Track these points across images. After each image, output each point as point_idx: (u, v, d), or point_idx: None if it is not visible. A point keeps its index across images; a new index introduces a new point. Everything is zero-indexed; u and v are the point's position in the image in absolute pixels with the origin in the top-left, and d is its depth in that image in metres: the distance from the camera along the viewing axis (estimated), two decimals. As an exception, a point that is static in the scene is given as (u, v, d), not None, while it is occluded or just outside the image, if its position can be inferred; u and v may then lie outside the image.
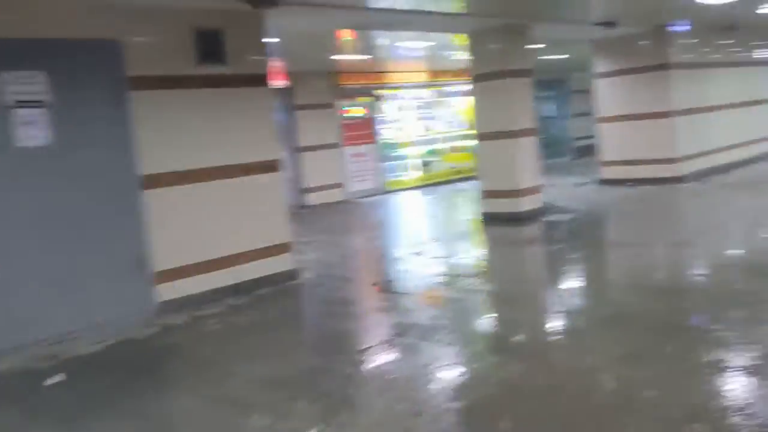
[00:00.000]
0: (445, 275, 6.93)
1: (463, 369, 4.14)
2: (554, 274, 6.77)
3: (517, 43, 9.63)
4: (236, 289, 6.49)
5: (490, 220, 9.67)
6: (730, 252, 6.86)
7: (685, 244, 7.45)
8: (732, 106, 13.42)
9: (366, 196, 14.05)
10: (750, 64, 14.64)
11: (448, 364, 4.22)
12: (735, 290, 5.26)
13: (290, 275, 6.94)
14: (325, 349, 4.87)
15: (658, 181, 11.74)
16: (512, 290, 6.12)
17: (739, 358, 3.86)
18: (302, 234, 9.69)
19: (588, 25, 10.61)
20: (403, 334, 4.95)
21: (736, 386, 3.50)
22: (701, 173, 12.04)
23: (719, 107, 13.01)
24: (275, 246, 6.85)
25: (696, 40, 12.56)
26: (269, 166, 6.83)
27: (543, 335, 4.86)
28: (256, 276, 6.66)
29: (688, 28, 11.83)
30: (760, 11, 11.20)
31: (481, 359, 4.33)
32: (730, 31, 13.01)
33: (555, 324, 5.06)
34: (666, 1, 9.81)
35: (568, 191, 12.32)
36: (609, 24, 10.62)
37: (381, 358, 4.51)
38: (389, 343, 4.80)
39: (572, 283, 6.31)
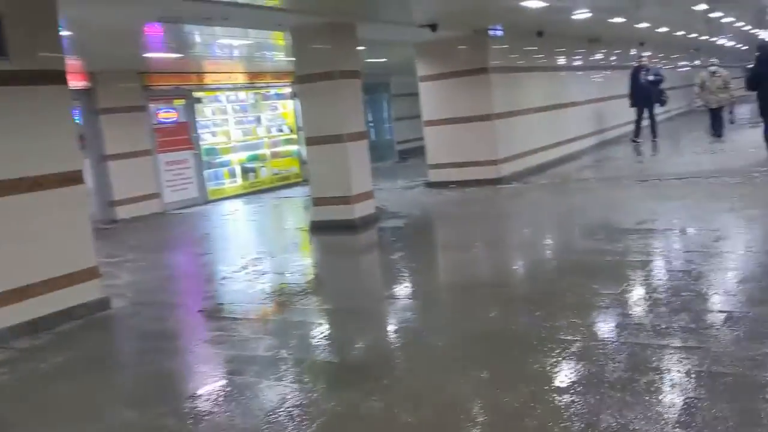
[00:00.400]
0: (280, 294, 6.30)
1: (315, 412, 3.55)
2: (397, 285, 6.37)
3: (344, 42, 9.22)
4: (33, 327, 5.42)
5: (323, 228, 9.17)
6: (561, 252, 6.88)
7: (519, 246, 7.45)
8: (546, 108, 14.07)
9: (185, 207, 12.96)
10: (561, 69, 15.51)
11: (297, 407, 3.61)
12: (578, 294, 5.13)
13: (100, 305, 5.95)
14: (145, 398, 4.05)
15: (482, 182, 11.93)
16: (355, 307, 5.63)
17: (604, 372, 3.65)
18: (112, 254, 8.57)
19: (411, 26, 10.48)
20: (239, 372, 4.27)
21: (611, 407, 3.24)
22: (520, 174, 12.42)
23: (534, 110, 13.57)
24: (79, 272, 5.83)
25: (513, 46, 12.96)
26: (68, 178, 5.80)
27: (397, 360, 4.40)
28: (57, 309, 5.62)
29: (500, 33, 12.15)
30: (574, 16, 11.76)
31: (334, 397, 3.77)
32: (540, 37, 13.62)
33: (408, 344, 4.63)
34: (484, 4, 9.90)
35: (397, 195, 12.16)
36: (432, 26, 10.57)
37: (215, 407, 3.79)
38: (224, 385, 4.09)
39: (416, 294, 5.94)
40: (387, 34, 11.46)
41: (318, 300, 6.07)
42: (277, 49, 12.15)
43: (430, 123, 12.63)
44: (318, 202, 9.43)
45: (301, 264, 7.81)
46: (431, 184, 12.54)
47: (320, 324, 5.34)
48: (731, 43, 28.52)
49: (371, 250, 8.52)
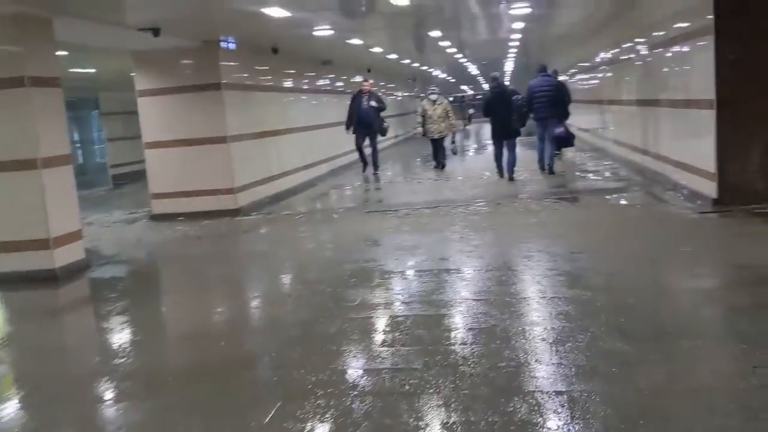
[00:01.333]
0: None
1: None
2: (116, 374, 4.48)
3: (37, 40, 7.09)
4: None
5: (10, 281, 6.90)
6: (333, 308, 5.56)
7: (277, 301, 6.07)
8: (283, 132, 12.94)
9: None
10: (297, 91, 14.46)
11: None
12: (379, 377, 3.97)
13: None
14: None
15: (217, 214, 10.40)
16: (51, 422, 3.78)
17: None
18: None
19: (128, 29, 8.64)
20: None
21: None
22: (260, 204, 11.13)
23: (272, 133, 12.37)
24: None
25: (248, 61, 11.64)
26: None
27: None
28: None
29: (234, 45, 10.79)
30: (316, 32, 10.82)
31: None
32: (275, 54, 12.50)
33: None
34: (212, 7, 8.38)
35: (114, 232, 10.07)
36: (154, 31, 8.84)
37: None
38: None
39: (148, 389, 4.21)
40: (98, 38, 9.41)
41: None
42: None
43: (153, 145, 10.77)
44: (1, 246, 7.12)
45: (-25, 339, 5.54)
46: (156, 217, 10.67)
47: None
48: (443, 75, 30.44)
49: (78, 311, 6.47)
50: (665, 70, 9.74)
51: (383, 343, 4.41)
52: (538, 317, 4.68)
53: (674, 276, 5.62)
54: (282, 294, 6.28)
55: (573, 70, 19.83)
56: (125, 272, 7.46)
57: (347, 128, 14.47)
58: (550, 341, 4.15)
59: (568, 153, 14.81)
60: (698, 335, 4.21)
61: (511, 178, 11.64)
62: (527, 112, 11.72)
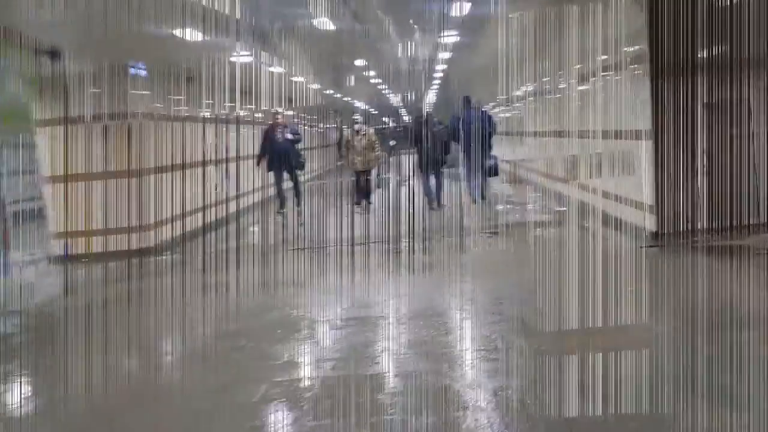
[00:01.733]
0: None
1: None
2: None
3: None
4: None
5: None
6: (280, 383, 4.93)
7: (182, 358, 5.32)
8: (208, 163, 12.12)
9: None
10: (212, 121, 13.60)
11: None
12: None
13: None
14: None
15: (126, 254, 9.48)
16: None
17: None
18: None
19: (24, 51, 7.79)
20: None
21: None
22: (176, 241, 10.27)
23: (195, 164, 11.54)
24: None
25: (161, 90, 10.82)
26: None
27: None
28: None
29: (144, 72, 10.00)
30: (234, 59, 10.19)
31: None
32: (190, 83, 11.73)
33: None
34: (114, 29, 7.58)
35: (7, 276, 8.98)
36: (51, 54, 8.02)
37: None
38: None
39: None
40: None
41: None
42: None
43: (56, 179, 9.82)
44: None
45: None
46: (58, 258, 9.66)
47: None
48: (366, 107, 30.17)
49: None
50: (602, 101, 9.56)
51: (316, 417, 3.75)
52: (495, 375, 4.14)
53: (630, 318, 5.22)
54: (196, 351, 5.50)
55: (498, 102, 19.84)
56: (14, 325, 6.49)
57: (257, 164, 13.42)
58: (514, 405, 3.62)
59: (497, 185, 14.56)
60: (672, 390, 3.76)
61: (439, 204, 11.73)
62: (448, 141, 11.94)
